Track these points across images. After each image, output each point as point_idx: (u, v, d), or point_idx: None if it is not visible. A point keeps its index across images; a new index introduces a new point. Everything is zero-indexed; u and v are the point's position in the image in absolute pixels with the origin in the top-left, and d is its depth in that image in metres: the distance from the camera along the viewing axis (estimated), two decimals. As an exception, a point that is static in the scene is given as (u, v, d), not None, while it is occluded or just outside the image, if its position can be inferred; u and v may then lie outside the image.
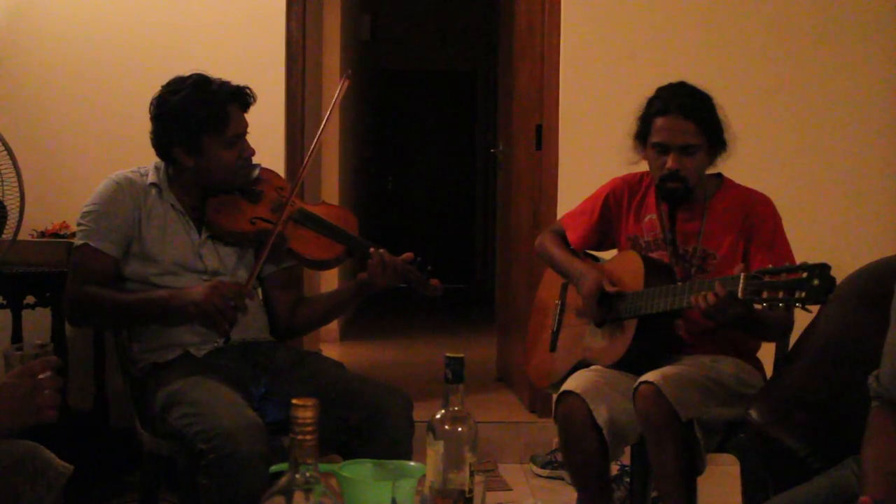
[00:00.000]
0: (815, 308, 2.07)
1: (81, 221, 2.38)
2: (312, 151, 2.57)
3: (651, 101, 2.46)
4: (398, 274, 2.40)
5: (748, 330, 2.36)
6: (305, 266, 2.61)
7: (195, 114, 2.32)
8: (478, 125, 9.57)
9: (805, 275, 1.93)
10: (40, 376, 1.56)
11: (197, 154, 2.36)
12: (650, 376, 2.24)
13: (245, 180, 2.44)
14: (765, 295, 2.00)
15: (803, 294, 1.92)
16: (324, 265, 2.56)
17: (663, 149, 2.41)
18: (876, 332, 1.73)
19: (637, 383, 2.26)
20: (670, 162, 2.39)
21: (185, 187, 2.44)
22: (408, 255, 2.43)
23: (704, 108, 2.41)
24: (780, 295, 1.97)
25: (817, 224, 3.69)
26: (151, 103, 2.39)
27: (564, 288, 2.67)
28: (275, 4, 3.65)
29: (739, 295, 2.06)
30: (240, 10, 3.64)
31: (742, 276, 2.07)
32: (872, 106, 3.76)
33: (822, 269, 1.92)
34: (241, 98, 2.39)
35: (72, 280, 2.38)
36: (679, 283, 2.33)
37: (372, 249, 2.40)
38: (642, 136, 2.47)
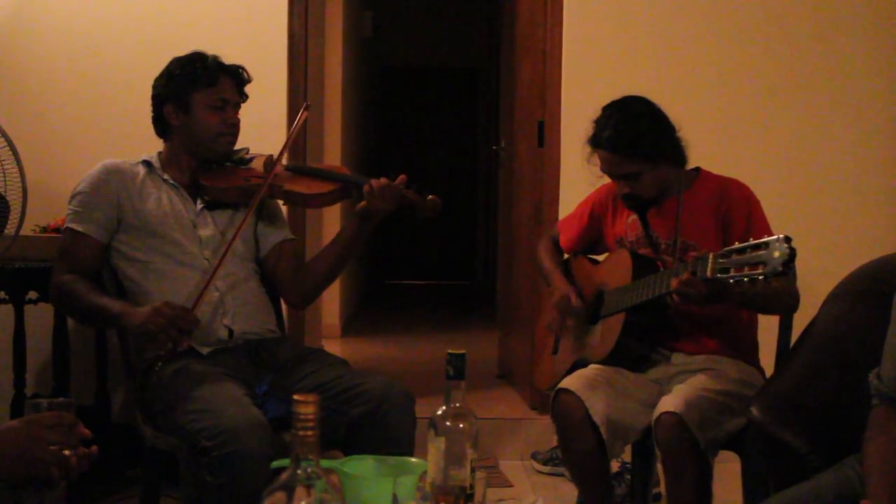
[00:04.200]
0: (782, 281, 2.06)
1: (70, 205, 2.45)
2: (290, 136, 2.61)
3: (591, 128, 2.44)
4: (395, 195, 2.41)
5: (745, 305, 2.36)
6: (303, 205, 2.69)
7: (189, 71, 2.46)
8: (480, 122, 9.56)
9: (766, 248, 1.95)
10: (53, 430, 1.46)
11: (184, 112, 2.46)
12: (672, 405, 2.20)
13: (228, 148, 2.52)
14: (733, 272, 2.02)
15: (764, 267, 1.94)
16: (321, 199, 2.57)
17: (610, 176, 2.46)
18: (877, 330, 1.73)
19: (658, 413, 2.22)
20: (619, 189, 2.46)
21: (177, 164, 2.51)
22: (402, 178, 2.45)
23: (631, 139, 2.36)
24: (746, 270, 1.99)
25: (817, 222, 3.69)
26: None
27: None
28: (277, 1, 3.66)
29: (708, 274, 2.08)
30: (242, 6, 3.65)
31: (710, 256, 2.09)
32: (872, 104, 3.76)
33: (783, 241, 1.93)
34: (232, 72, 2.51)
35: (57, 265, 2.44)
36: (659, 272, 2.35)
37: (366, 185, 2.44)
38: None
